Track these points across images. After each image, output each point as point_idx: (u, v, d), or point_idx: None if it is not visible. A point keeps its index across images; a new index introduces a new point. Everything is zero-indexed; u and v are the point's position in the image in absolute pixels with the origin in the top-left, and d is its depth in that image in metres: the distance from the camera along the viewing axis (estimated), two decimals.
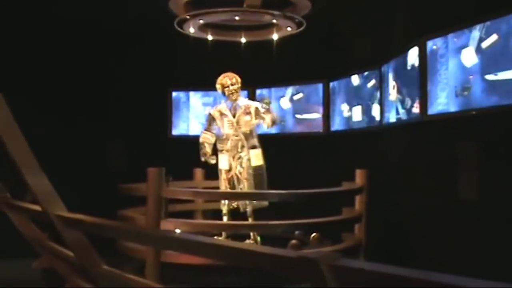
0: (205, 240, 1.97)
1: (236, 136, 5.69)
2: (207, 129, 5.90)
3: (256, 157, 5.65)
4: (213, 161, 5.77)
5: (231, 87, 5.72)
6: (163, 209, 4.95)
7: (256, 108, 5.70)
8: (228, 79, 5.73)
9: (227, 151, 5.71)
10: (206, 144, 5.82)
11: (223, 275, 4.75)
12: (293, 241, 5.79)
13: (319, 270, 1.65)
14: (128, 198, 5.55)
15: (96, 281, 3.43)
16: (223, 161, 5.74)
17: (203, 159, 5.83)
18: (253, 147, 5.70)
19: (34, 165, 3.11)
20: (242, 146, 5.68)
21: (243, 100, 5.89)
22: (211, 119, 5.90)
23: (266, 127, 5.73)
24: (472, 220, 4.56)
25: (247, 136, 5.69)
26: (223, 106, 5.87)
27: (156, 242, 2.71)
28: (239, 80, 5.78)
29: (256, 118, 5.69)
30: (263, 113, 5.63)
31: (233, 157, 5.69)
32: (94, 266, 3.27)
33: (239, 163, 5.66)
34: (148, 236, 2.78)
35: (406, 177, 5.86)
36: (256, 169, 5.63)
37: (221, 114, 5.82)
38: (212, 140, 5.84)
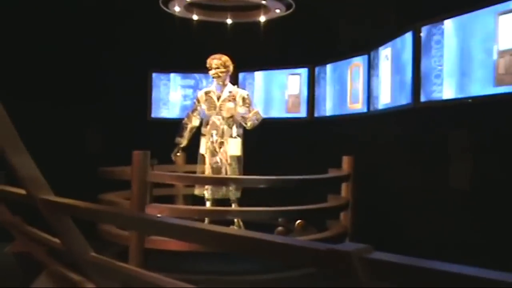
0: (216, 228, 1.83)
1: (218, 120, 5.54)
2: (192, 110, 5.75)
3: (234, 147, 5.51)
4: (176, 156, 5.68)
5: (213, 71, 5.54)
6: (148, 193, 4.78)
7: (243, 98, 5.55)
8: (214, 63, 5.53)
9: (205, 134, 5.57)
10: (186, 126, 5.66)
11: (210, 262, 4.64)
12: (279, 228, 5.71)
13: (350, 263, 1.55)
14: (107, 182, 5.36)
15: (81, 269, 3.26)
16: (202, 145, 5.60)
17: (176, 141, 5.66)
18: (233, 136, 5.54)
19: (19, 147, 2.90)
20: (223, 133, 5.53)
21: (231, 86, 5.69)
22: (197, 101, 5.74)
23: (248, 125, 5.51)
24: (464, 208, 4.55)
25: (229, 123, 5.54)
26: (212, 88, 5.71)
27: (158, 228, 2.55)
28: (228, 64, 5.57)
29: (240, 106, 5.52)
30: (247, 107, 5.49)
31: (214, 142, 5.53)
32: (82, 253, 3.10)
33: (222, 149, 5.52)
34: (146, 222, 2.62)
35: (395, 165, 5.82)
36: (232, 158, 5.50)
37: (207, 96, 5.66)
38: (194, 122, 5.68)
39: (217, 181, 5.41)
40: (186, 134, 5.68)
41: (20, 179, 2.97)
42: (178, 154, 5.73)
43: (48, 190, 3.02)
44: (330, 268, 1.58)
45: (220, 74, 5.53)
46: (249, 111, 5.54)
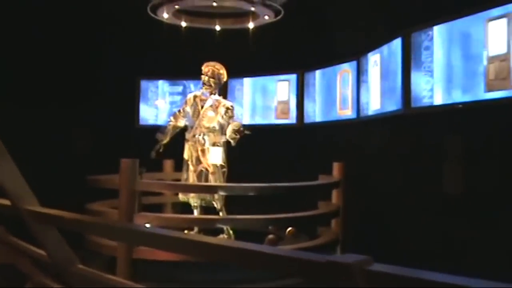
0: (211, 240, 1.77)
1: (200, 128, 5.47)
2: (179, 110, 5.69)
3: (215, 155, 5.43)
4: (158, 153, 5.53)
5: (206, 77, 5.48)
6: (136, 202, 4.69)
7: (227, 108, 5.47)
8: (209, 71, 5.48)
9: (189, 140, 5.50)
10: (170, 124, 5.61)
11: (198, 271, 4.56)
12: (270, 236, 5.63)
13: (351, 275, 1.50)
14: (94, 190, 5.26)
15: (67, 281, 3.17)
16: (186, 151, 5.53)
17: (157, 137, 5.56)
18: (214, 144, 5.46)
19: (3, 154, 2.81)
20: (204, 141, 5.46)
21: (217, 96, 5.61)
22: (185, 102, 5.68)
23: (227, 136, 5.32)
24: (456, 214, 4.52)
25: (210, 131, 5.46)
26: (200, 93, 5.64)
27: (147, 240, 2.47)
28: (221, 78, 5.53)
29: (222, 118, 5.44)
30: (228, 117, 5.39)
31: (198, 150, 5.46)
32: (69, 265, 3.01)
33: (203, 158, 5.45)
34: (135, 234, 2.54)
35: (386, 171, 5.79)
36: (214, 167, 5.41)
37: (195, 101, 5.59)
38: (179, 123, 5.59)
39: (207, 189, 5.32)
40: (168, 132, 5.60)
41: (4, 189, 2.87)
42: (161, 150, 5.59)
43: (33, 200, 2.93)
44: (331, 281, 1.52)
45: (212, 84, 5.48)
46: (229, 123, 5.41)
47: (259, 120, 7.70)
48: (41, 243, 2.98)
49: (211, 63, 5.54)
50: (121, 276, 4.38)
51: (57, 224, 2.80)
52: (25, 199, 2.88)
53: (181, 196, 5.56)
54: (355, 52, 6.37)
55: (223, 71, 5.55)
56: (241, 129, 5.22)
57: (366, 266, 1.51)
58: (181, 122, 5.62)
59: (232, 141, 5.25)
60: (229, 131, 5.27)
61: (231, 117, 5.44)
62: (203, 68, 5.52)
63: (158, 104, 8.32)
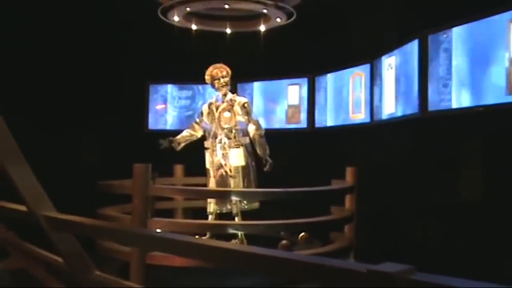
0: (243, 248, 1.70)
1: (218, 132, 5.41)
2: (196, 122, 5.63)
3: (236, 157, 5.35)
4: (176, 147, 5.51)
5: (221, 80, 5.42)
6: (149, 208, 4.63)
7: (242, 105, 5.40)
8: (219, 71, 5.42)
9: (208, 148, 5.44)
10: (187, 131, 5.59)
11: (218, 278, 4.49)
12: (284, 241, 5.56)
13: (394, 285, 1.43)
14: (103, 196, 5.22)
15: None
16: (207, 159, 5.46)
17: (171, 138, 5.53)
18: (237, 145, 5.39)
19: (20, 161, 2.75)
20: (224, 144, 5.39)
21: (230, 95, 5.54)
22: (200, 114, 5.61)
23: (251, 133, 5.38)
24: (475, 220, 4.44)
25: (228, 134, 5.39)
26: (214, 100, 5.58)
27: (164, 245, 2.41)
28: (229, 72, 5.49)
29: (239, 115, 5.38)
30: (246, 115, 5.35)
31: (222, 155, 5.39)
32: (86, 273, 2.95)
33: (225, 162, 5.38)
34: (156, 240, 2.48)
35: (400, 176, 5.71)
36: (236, 170, 5.34)
37: (210, 108, 5.53)
38: (197, 133, 5.56)
39: (220, 194, 5.26)
40: (184, 136, 5.56)
41: (20, 194, 2.82)
42: (173, 144, 5.51)
43: (50, 206, 2.88)
44: None
45: (228, 82, 5.45)
46: (249, 121, 5.38)
47: (270, 125, 7.62)
48: (58, 250, 2.92)
49: (216, 65, 5.50)
50: (135, 282, 4.33)
51: (75, 231, 2.74)
52: (42, 205, 2.83)
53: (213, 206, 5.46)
54: (369, 55, 6.30)
55: (223, 66, 5.51)
56: (261, 131, 5.38)
57: (409, 275, 1.44)
58: (199, 133, 5.58)
59: (257, 149, 5.39)
60: (253, 134, 5.35)
61: (248, 113, 5.39)
62: (209, 75, 5.46)
63: (158, 109, 8.26)
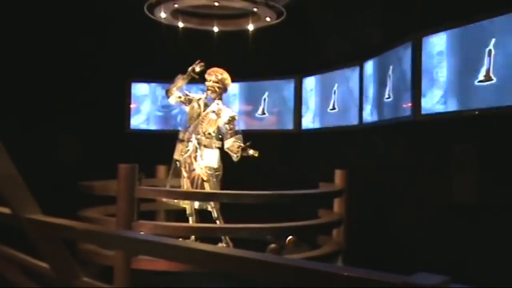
0: (257, 256, 1.57)
1: (197, 130, 5.27)
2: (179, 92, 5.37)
3: (208, 157, 5.22)
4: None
5: (211, 83, 5.30)
6: (135, 210, 4.46)
7: (230, 117, 5.28)
8: (209, 75, 5.31)
9: (184, 141, 5.28)
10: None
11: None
12: (272, 245, 5.44)
13: None
14: (82, 197, 5.01)
15: None
16: (177, 151, 5.31)
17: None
18: (209, 146, 5.27)
19: (5, 161, 2.57)
20: (199, 143, 5.26)
21: (221, 103, 5.41)
22: (187, 95, 5.39)
23: (229, 147, 5.11)
24: (468, 224, 4.40)
25: (207, 135, 5.27)
26: (204, 96, 5.43)
27: (154, 249, 2.27)
28: (226, 83, 5.34)
29: (223, 124, 5.24)
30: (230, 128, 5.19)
31: (191, 156, 5.25)
32: (73, 278, 2.78)
33: (197, 162, 5.23)
34: (149, 244, 2.33)
35: (392, 179, 5.65)
36: (210, 172, 5.20)
37: (197, 102, 5.37)
38: (176, 92, 5.30)
39: (209, 197, 5.12)
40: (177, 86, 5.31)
41: (4, 196, 2.64)
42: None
43: (36, 208, 2.70)
44: None
45: (217, 89, 5.30)
46: (229, 134, 5.22)
47: (255, 126, 7.51)
48: (43, 255, 2.74)
49: (215, 68, 5.38)
50: (119, 286, 4.17)
51: (64, 235, 2.57)
52: (27, 208, 2.65)
53: (175, 201, 5.32)
54: (358, 57, 6.24)
55: (227, 76, 5.37)
56: (248, 149, 5.01)
57: (446, 286, 1.34)
58: (177, 94, 5.34)
59: (234, 156, 5.08)
60: (232, 145, 5.09)
61: (232, 128, 5.24)
62: (206, 74, 5.34)
63: (132, 108, 8.07)
